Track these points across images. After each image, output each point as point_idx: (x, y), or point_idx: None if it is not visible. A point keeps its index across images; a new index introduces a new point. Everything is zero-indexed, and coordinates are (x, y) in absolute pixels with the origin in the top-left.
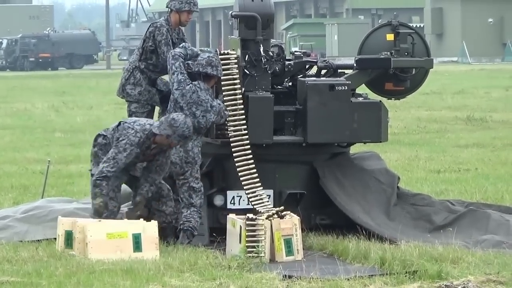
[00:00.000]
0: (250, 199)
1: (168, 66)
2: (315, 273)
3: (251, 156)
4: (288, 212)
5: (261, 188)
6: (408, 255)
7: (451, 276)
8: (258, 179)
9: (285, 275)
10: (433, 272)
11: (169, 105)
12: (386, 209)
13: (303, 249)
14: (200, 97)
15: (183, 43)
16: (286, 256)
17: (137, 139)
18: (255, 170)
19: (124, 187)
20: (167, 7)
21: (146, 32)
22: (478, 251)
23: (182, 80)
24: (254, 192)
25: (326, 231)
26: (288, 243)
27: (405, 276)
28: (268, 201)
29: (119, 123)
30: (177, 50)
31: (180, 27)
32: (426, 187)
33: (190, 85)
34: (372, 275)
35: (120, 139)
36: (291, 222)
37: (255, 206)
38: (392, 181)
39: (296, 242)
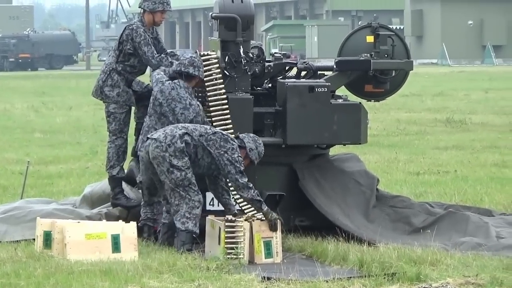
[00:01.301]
0: (239, 202)
1: (145, 59)
2: (294, 274)
3: None
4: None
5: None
6: (387, 257)
7: (429, 279)
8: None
9: (264, 277)
10: (412, 274)
11: (148, 107)
12: (365, 211)
13: (282, 251)
14: (180, 94)
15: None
16: (265, 258)
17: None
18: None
19: (103, 188)
20: (140, 7)
21: (122, 34)
22: (457, 253)
23: (160, 78)
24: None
25: (305, 233)
26: (268, 245)
27: (384, 278)
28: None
29: (213, 132)
30: (157, 71)
31: (154, 26)
32: (406, 189)
33: (169, 81)
34: (350, 277)
35: (230, 152)
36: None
37: (244, 209)
38: (371, 183)
39: (276, 244)
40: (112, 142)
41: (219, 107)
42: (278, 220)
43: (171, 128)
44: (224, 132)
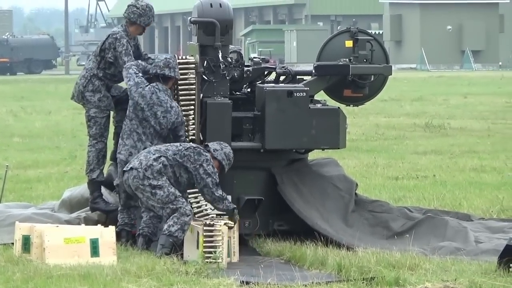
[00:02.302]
0: (191, 203)
1: (124, 77)
2: (273, 279)
3: None
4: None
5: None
6: (366, 262)
7: (408, 283)
8: None
9: (243, 281)
10: (390, 279)
11: (127, 111)
12: (344, 215)
13: (260, 255)
14: (160, 98)
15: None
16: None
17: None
18: None
19: (82, 192)
20: (130, 19)
21: (105, 42)
22: (436, 258)
23: (140, 82)
24: (196, 197)
25: (283, 237)
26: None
27: (363, 282)
28: (206, 206)
29: (185, 148)
30: (129, 62)
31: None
32: (384, 194)
33: (149, 86)
34: (329, 282)
35: (205, 164)
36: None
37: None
38: (350, 188)
39: (233, 244)
40: (93, 146)
41: (185, 113)
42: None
43: (145, 154)
44: (195, 145)
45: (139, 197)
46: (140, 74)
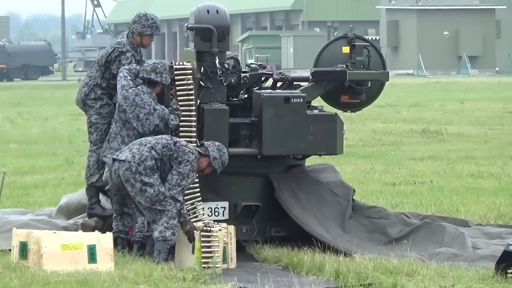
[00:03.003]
0: (188, 211)
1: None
2: (270, 285)
3: None
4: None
5: (200, 200)
6: (363, 268)
7: None
8: (198, 191)
9: (240, 287)
10: (388, 285)
11: (115, 113)
12: (341, 221)
13: (257, 261)
14: (143, 100)
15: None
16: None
17: (197, 165)
18: (197, 181)
19: (79, 199)
20: (129, 28)
21: (110, 54)
22: (433, 263)
23: (125, 84)
24: (193, 204)
25: (281, 243)
26: (223, 251)
27: None
28: (203, 214)
29: (174, 142)
30: (123, 67)
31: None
32: (382, 200)
33: (133, 88)
34: None
35: (183, 164)
36: (227, 231)
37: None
38: (347, 194)
39: (230, 250)
40: (94, 152)
41: (186, 118)
42: (193, 230)
43: (137, 146)
44: (184, 143)
45: (128, 190)
46: (129, 78)
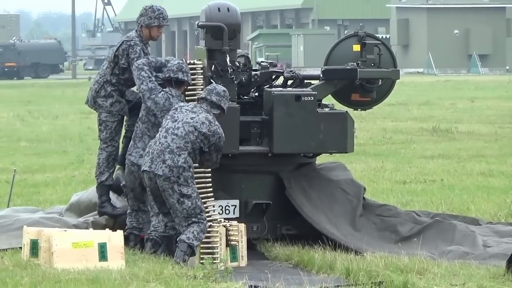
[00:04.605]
0: None
1: (134, 77)
2: (281, 283)
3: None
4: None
5: (213, 199)
6: (374, 266)
7: (417, 287)
8: (211, 190)
9: (251, 285)
10: (399, 283)
11: (140, 114)
12: (352, 219)
13: (268, 259)
14: (173, 104)
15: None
16: (231, 262)
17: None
18: (210, 181)
19: (90, 197)
20: (137, 22)
21: (119, 48)
22: (444, 262)
23: (153, 87)
24: (205, 203)
25: (292, 242)
26: (233, 249)
27: (371, 287)
28: (214, 213)
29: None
30: (140, 60)
31: (149, 41)
32: (392, 198)
33: (162, 92)
34: (337, 286)
35: (219, 142)
36: (237, 229)
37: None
38: (358, 192)
39: (241, 248)
40: (103, 150)
41: None
42: None
43: (169, 156)
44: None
45: (164, 197)
46: (153, 78)
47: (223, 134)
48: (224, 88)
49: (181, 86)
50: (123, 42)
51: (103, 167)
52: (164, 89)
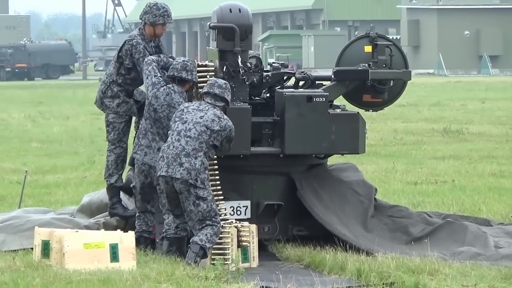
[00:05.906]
0: None
1: (142, 72)
2: (292, 284)
3: (216, 167)
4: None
5: (223, 201)
6: (385, 267)
7: None
8: (220, 192)
9: (262, 286)
10: (410, 284)
11: (144, 111)
12: (363, 220)
13: (279, 260)
14: (174, 100)
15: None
16: (242, 262)
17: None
18: (219, 182)
19: (101, 198)
20: (140, 19)
21: (122, 48)
22: (455, 263)
23: (156, 82)
24: (217, 205)
25: (303, 243)
26: (244, 250)
27: None
28: (225, 214)
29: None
30: (150, 56)
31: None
32: (403, 199)
33: (164, 87)
34: (349, 287)
35: (231, 134)
36: (249, 230)
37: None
38: (369, 193)
39: (252, 249)
40: (111, 151)
41: None
42: None
43: (186, 159)
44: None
45: (181, 200)
46: (159, 74)
47: (233, 126)
48: (225, 81)
49: (185, 84)
50: (125, 42)
51: (112, 169)
52: (167, 85)
